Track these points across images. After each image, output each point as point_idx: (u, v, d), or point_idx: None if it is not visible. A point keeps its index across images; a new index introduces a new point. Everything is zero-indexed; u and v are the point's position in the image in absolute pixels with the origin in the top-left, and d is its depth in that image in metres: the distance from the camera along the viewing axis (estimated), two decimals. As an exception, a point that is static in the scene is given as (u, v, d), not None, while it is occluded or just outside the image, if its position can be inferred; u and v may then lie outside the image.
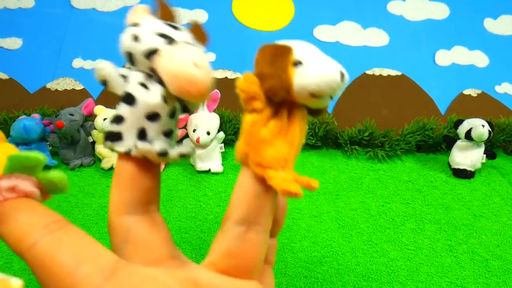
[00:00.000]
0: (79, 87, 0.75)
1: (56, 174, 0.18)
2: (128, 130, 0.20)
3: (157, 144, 0.19)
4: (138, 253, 0.19)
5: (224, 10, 0.84)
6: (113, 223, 0.19)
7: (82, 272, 0.15)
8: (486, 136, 0.60)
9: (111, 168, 0.61)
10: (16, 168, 0.17)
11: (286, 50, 0.18)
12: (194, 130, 0.60)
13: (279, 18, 0.83)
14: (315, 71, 0.18)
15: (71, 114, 0.59)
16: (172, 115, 0.20)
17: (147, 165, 0.19)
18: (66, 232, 0.16)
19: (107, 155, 0.61)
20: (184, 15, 0.83)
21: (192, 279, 0.19)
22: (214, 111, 0.63)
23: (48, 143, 0.62)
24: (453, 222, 0.54)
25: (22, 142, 0.60)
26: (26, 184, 0.17)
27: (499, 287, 0.45)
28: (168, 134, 0.21)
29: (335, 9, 0.84)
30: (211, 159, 0.62)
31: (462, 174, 0.62)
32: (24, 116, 0.61)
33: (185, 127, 0.63)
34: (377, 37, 0.82)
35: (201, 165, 0.61)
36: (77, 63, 0.77)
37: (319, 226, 0.52)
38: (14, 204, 0.16)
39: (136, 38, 0.21)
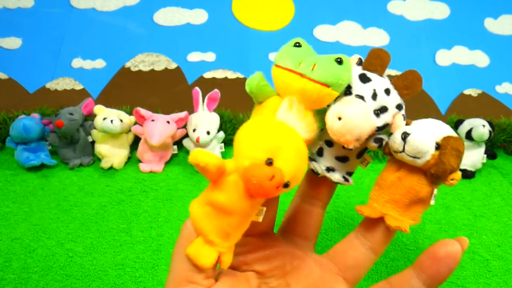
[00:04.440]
0: (78, 87, 0.75)
1: None
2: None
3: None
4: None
5: (224, 10, 0.84)
6: None
7: None
8: (486, 136, 0.59)
9: (111, 168, 0.61)
10: None
11: None
12: (194, 130, 0.60)
13: (279, 18, 0.83)
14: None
15: (71, 114, 0.59)
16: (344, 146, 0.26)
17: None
18: None
19: (107, 154, 0.61)
20: (184, 15, 0.83)
21: None
22: (214, 110, 0.63)
23: (47, 142, 0.62)
24: (454, 222, 0.54)
25: (22, 142, 0.59)
26: None
27: (500, 287, 0.45)
28: (341, 159, 0.28)
29: (335, 9, 0.84)
30: (211, 159, 0.61)
31: (463, 174, 0.62)
32: (23, 116, 0.61)
33: (184, 126, 0.63)
34: (377, 37, 0.82)
35: (201, 165, 0.61)
36: (77, 63, 0.77)
37: (319, 226, 0.52)
38: None
39: None
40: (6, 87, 0.74)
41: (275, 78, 0.25)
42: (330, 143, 0.27)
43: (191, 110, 0.63)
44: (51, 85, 0.75)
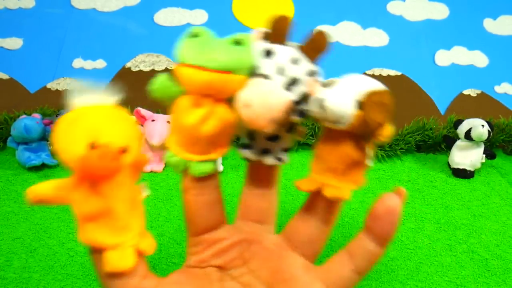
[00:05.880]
0: (79, 87, 0.75)
1: None
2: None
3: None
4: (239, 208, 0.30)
5: (224, 10, 0.84)
6: None
7: None
8: (485, 136, 0.60)
9: (111, 168, 0.61)
10: None
11: None
12: (194, 130, 0.61)
13: (279, 18, 0.83)
14: None
15: (72, 114, 0.60)
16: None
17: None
18: None
19: (107, 154, 0.61)
20: (184, 15, 0.83)
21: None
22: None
23: (48, 142, 0.62)
24: (453, 221, 0.54)
25: (23, 142, 0.60)
26: None
27: (499, 286, 0.45)
28: (272, 139, 0.27)
29: (335, 9, 0.85)
30: (211, 159, 0.62)
31: (462, 174, 0.62)
32: (24, 116, 0.61)
33: (185, 126, 0.64)
34: (377, 37, 0.82)
35: (201, 165, 0.61)
36: (78, 63, 0.77)
37: (319, 226, 0.52)
38: None
39: None
40: (7, 87, 0.75)
41: (179, 77, 0.23)
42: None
43: (192, 110, 0.64)
44: (52, 85, 0.75)
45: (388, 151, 0.66)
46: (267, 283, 0.26)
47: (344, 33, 0.82)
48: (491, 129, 0.60)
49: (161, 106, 0.68)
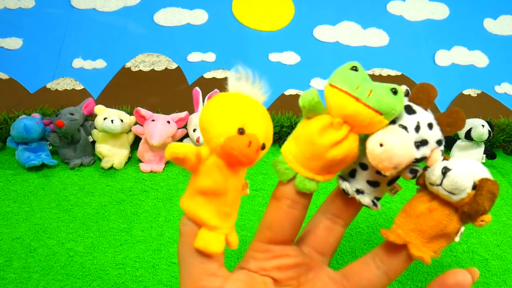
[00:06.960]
0: (79, 87, 0.75)
1: None
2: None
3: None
4: None
5: (224, 10, 0.84)
6: None
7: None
8: (486, 136, 0.60)
9: (111, 168, 0.61)
10: None
11: None
12: (194, 130, 0.61)
13: (279, 18, 0.83)
14: None
15: (72, 114, 0.60)
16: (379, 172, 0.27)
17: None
18: None
19: (107, 154, 0.61)
20: (184, 15, 0.83)
21: None
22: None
23: (48, 142, 0.62)
24: (453, 221, 0.54)
25: (23, 142, 0.60)
26: None
27: (499, 287, 0.45)
28: (372, 184, 0.28)
29: (335, 9, 0.85)
30: (211, 159, 0.62)
31: (462, 174, 0.62)
32: (24, 116, 0.61)
33: (185, 126, 0.64)
34: (377, 37, 0.82)
35: (201, 165, 0.61)
36: (77, 63, 0.77)
37: (319, 226, 0.52)
38: None
39: None
40: (7, 87, 0.74)
41: (329, 97, 0.25)
42: (364, 166, 0.28)
43: (192, 110, 0.64)
44: (52, 85, 0.75)
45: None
46: None
47: (344, 33, 0.82)
48: (491, 129, 0.60)
49: (161, 106, 0.68)
